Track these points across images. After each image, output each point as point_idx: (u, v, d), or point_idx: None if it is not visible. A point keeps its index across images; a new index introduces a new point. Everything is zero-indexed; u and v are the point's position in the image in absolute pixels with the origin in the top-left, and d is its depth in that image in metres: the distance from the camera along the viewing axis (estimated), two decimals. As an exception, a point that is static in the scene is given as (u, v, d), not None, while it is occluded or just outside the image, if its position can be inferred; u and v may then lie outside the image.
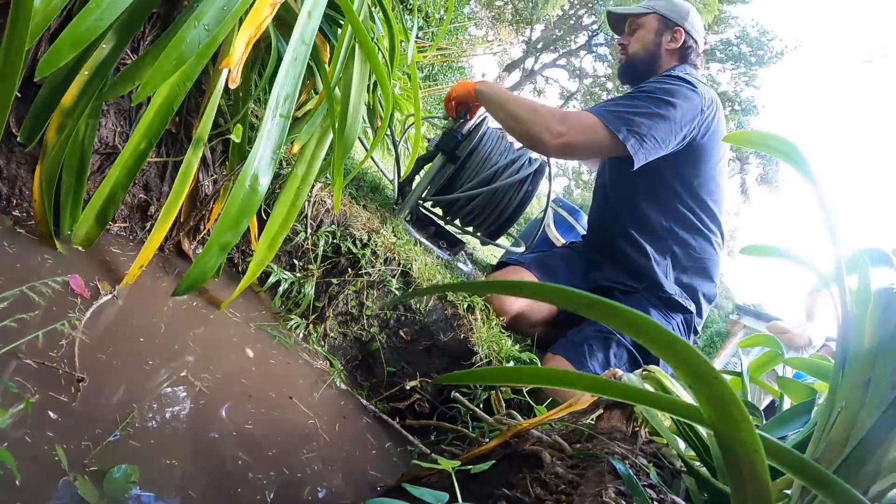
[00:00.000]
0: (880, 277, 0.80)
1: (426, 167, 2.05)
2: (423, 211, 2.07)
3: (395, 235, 1.63)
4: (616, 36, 1.98)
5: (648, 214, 1.70)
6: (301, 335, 1.43)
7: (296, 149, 1.18)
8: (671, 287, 1.68)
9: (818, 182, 0.77)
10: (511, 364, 1.39)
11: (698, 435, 0.75)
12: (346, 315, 1.49)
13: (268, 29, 1.11)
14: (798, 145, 0.79)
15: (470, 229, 2.11)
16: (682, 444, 0.79)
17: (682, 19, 1.83)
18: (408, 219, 2.00)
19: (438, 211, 2.19)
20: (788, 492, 0.63)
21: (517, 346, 1.49)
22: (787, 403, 1.16)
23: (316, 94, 1.40)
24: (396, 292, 1.47)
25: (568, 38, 21.04)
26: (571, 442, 0.83)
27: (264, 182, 0.82)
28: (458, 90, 1.87)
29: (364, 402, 1.38)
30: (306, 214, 1.47)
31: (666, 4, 1.87)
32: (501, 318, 1.56)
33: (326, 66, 1.15)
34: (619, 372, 0.86)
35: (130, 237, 1.27)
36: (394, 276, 1.49)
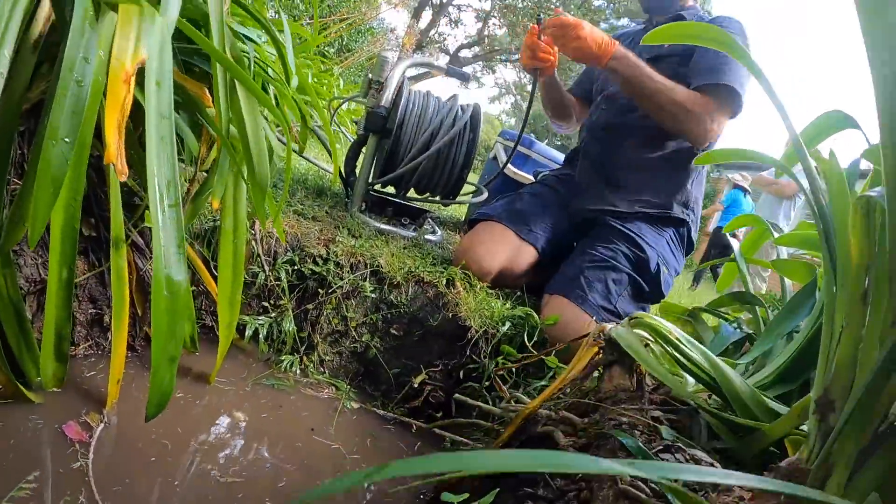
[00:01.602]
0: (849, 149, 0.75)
1: (364, 150, 1.97)
2: (376, 195, 2.01)
3: (353, 236, 1.58)
4: None
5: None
6: (297, 371, 1.41)
7: (216, 204, 1.11)
8: (678, 201, 1.67)
9: (754, 62, 0.72)
10: (506, 326, 1.37)
11: (706, 371, 0.73)
12: (333, 334, 1.46)
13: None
14: (726, 30, 0.73)
15: (428, 195, 2.05)
16: (691, 381, 0.77)
17: None
18: (363, 208, 1.94)
19: (392, 189, 2.12)
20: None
21: (508, 304, 1.47)
22: (788, 285, 1.15)
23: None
24: (372, 295, 1.44)
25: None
26: (580, 412, 0.82)
27: (181, 278, 0.77)
28: (587, 47, 1.46)
29: (381, 412, 1.37)
30: (258, 254, 1.41)
31: None
32: (484, 282, 1.54)
33: (211, 109, 1.07)
34: (608, 327, 0.84)
35: (100, 352, 1.23)
36: (365, 280, 1.45)
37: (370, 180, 1.93)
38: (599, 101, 1.89)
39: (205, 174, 1.22)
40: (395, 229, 1.80)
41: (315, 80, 3.38)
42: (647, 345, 0.80)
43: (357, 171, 1.97)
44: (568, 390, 0.92)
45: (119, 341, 1.03)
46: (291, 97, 1.56)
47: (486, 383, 1.34)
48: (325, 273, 1.43)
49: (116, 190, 0.97)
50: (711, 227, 7.55)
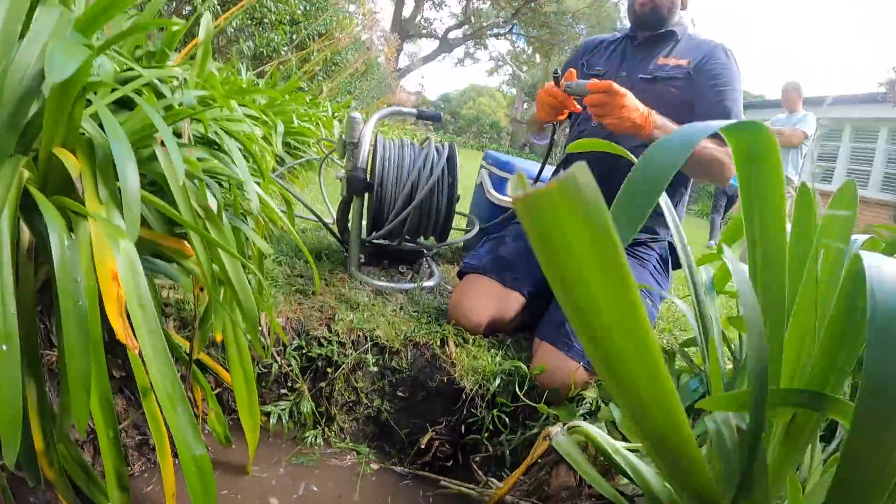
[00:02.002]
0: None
1: (353, 206, 2.10)
2: (371, 246, 2.15)
3: (351, 309, 1.73)
4: None
5: None
6: (321, 443, 1.59)
7: (219, 336, 1.28)
8: (663, 224, 1.80)
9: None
10: (497, 382, 1.51)
11: (624, 469, 0.87)
12: (348, 404, 1.63)
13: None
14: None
15: (421, 239, 2.18)
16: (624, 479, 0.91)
17: None
18: (362, 261, 2.09)
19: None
20: None
21: (499, 356, 1.61)
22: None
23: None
24: (374, 369, 1.60)
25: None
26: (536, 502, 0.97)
27: (202, 452, 0.94)
28: (631, 119, 1.49)
29: (399, 469, 1.55)
30: (269, 346, 1.58)
31: None
32: (476, 334, 1.68)
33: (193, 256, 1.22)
34: (553, 430, 0.98)
35: (152, 466, 1.43)
36: (367, 353, 1.61)
37: (362, 237, 2.07)
38: (588, 115, 1.86)
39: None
40: (392, 285, 1.94)
41: (301, 121, 3.50)
42: (586, 445, 0.93)
43: (349, 225, 2.11)
44: (533, 470, 1.07)
45: (166, 466, 1.20)
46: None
47: (485, 434, 1.51)
48: (330, 353, 1.60)
49: (136, 357, 1.14)
50: None
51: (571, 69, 1.63)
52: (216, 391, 1.53)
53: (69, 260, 0.96)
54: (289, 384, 1.62)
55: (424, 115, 2.24)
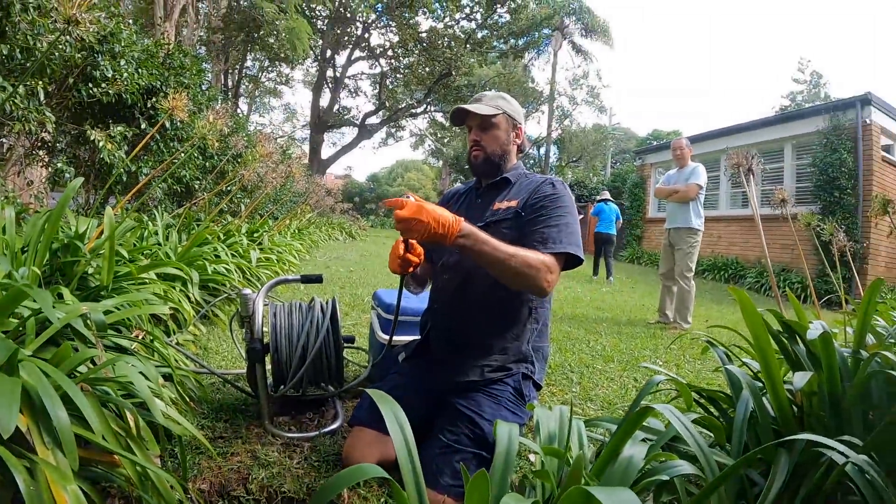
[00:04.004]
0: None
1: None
2: (279, 396, 2.50)
3: (262, 466, 2.10)
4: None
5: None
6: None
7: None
8: (517, 359, 2.11)
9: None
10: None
11: None
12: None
13: None
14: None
15: (324, 386, 2.57)
16: None
17: (521, 119, 2.26)
18: (273, 412, 2.46)
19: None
20: None
21: (385, 494, 2.01)
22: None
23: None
24: (285, 519, 1.98)
25: (349, 31, 23.09)
26: None
27: None
28: (431, 230, 1.67)
29: None
30: (193, 514, 1.93)
31: (509, 105, 2.22)
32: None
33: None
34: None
35: None
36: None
37: (270, 392, 2.44)
38: (440, 271, 2.24)
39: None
40: (298, 435, 2.30)
41: (214, 265, 3.88)
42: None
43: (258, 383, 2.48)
44: None
45: None
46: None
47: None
48: (250, 512, 1.96)
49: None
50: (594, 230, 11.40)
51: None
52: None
53: (34, 495, 1.32)
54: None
55: (308, 280, 2.68)
